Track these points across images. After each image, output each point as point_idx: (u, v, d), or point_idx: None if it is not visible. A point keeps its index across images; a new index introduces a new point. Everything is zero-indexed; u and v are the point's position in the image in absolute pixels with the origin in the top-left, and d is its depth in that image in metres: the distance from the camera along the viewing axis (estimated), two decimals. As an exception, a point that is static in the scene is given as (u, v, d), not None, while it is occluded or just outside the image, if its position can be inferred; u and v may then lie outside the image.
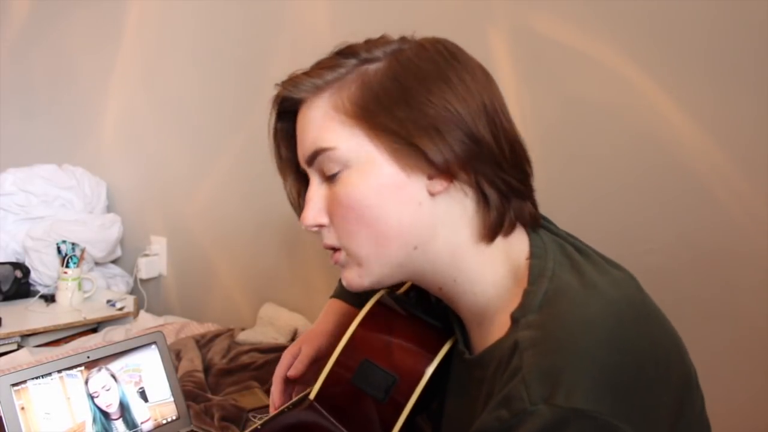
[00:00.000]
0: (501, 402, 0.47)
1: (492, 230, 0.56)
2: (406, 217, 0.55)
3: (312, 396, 0.67)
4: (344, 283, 0.61)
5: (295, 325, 1.42)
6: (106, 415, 0.85)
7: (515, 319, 0.52)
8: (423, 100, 0.53)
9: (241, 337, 1.38)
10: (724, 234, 0.98)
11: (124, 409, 0.87)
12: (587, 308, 0.50)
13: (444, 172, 0.54)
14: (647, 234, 1.04)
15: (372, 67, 0.56)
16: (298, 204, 0.66)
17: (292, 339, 1.39)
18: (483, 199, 0.56)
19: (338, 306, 0.86)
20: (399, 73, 0.54)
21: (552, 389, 0.44)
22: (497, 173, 0.55)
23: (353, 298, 0.86)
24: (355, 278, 0.59)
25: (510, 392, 0.46)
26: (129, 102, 1.86)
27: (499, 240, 0.57)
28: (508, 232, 0.57)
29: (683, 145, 1.00)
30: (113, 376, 0.88)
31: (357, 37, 0.61)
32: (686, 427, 0.52)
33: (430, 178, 0.55)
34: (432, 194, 0.55)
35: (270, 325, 1.45)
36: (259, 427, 0.69)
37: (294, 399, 0.75)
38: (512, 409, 0.45)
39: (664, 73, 1.01)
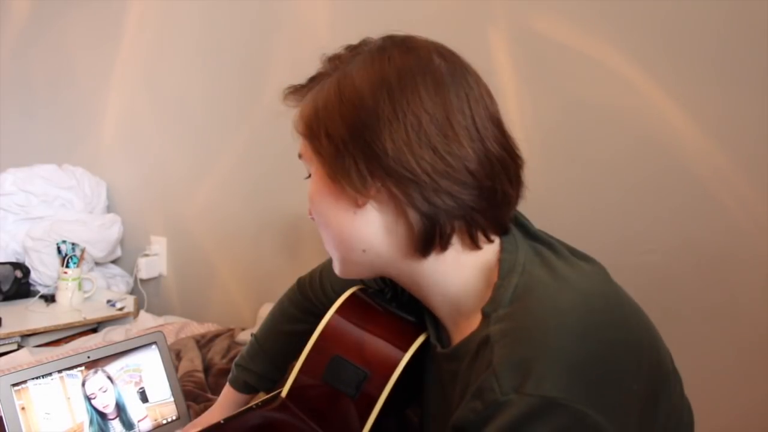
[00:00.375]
0: (474, 394, 0.48)
1: (422, 245, 0.57)
2: (344, 224, 0.59)
3: (284, 394, 0.67)
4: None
5: (295, 325, 1.42)
6: (102, 415, 0.85)
7: (486, 313, 0.53)
8: (346, 132, 0.56)
9: (241, 337, 1.38)
10: (727, 237, 0.97)
11: (120, 409, 0.87)
12: (557, 299, 0.51)
13: (361, 193, 0.56)
14: (649, 236, 1.03)
15: (324, 88, 0.58)
16: None
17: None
18: (404, 218, 0.56)
19: (231, 396, 0.90)
20: (334, 102, 0.57)
21: (522, 379, 0.45)
22: (426, 196, 0.54)
23: (244, 387, 0.89)
24: (337, 269, 0.65)
25: (482, 384, 0.47)
26: (129, 102, 1.86)
27: (437, 253, 0.57)
28: (443, 247, 0.57)
29: (686, 148, 1.00)
30: (109, 378, 0.88)
31: (356, 37, 0.61)
32: (663, 415, 0.54)
33: (356, 191, 0.57)
34: (358, 206, 0.58)
35: (270, 325, 1.44)
36: (222, 421, 0.68)
37: (264, 397, 0.74)
38: (485, 401, 0.46)
39: (666, 74, 1.01)
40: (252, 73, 1.54)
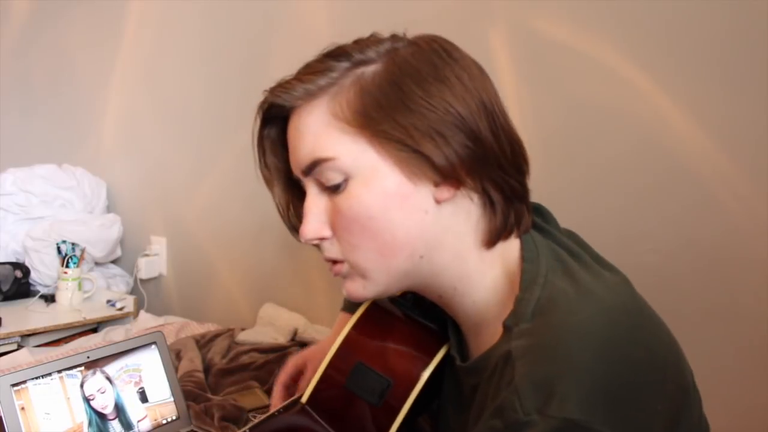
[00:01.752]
0: (494, 412, 0.46)
1: (495, 235, 0.56)
2: (413, 226, 0.54)
3: (304, 399, 0.66)
4: (345, 294, 0.59)
5: (295, 325, 1.42)
6: (101, 416, 0.85)
7: (507, 327, 0.52)
8: (424, 104, 0.51)
9: (241, 337, 1.38)
10: (727, 237, 0.97)
11: (119, 410, 0.87)
12: (580, 316, 0.49)
13: (450, 178, 0.53)
14: (650, 237, 1.03)
15: (368, 70, 0.53)
16: (288, 216, 0.65)
17: (292, 339, 1.39)
18: (489, 203, 0.55)
19: (344, 319, 0.84)
20: (397, 76, 0.52)
21: (545, 399, 0.44)
22: (501, 176, 0.54)
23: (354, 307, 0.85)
24: (359, 290, 0.58)
25: (503, 402, 0.46)
26: (129, 102, 1.86)
27: (499, 244, 0.57)
28: (508, 236, 0.57)
29: (686, 148, 1.00)
30: (108, 378, 0.87)
31: (357, 37, 0.61)
32: None
33: (436, 185, 0.54)
34: (438, 201, 0.54)
35: (270, 325, 1.44)
36: (247, 431, 0.68)
37: (285, 402, 0.74)
38: (506, 420, 0.45)
39: (667, 75, 1.01)
40: (252, 73, 1.54)
